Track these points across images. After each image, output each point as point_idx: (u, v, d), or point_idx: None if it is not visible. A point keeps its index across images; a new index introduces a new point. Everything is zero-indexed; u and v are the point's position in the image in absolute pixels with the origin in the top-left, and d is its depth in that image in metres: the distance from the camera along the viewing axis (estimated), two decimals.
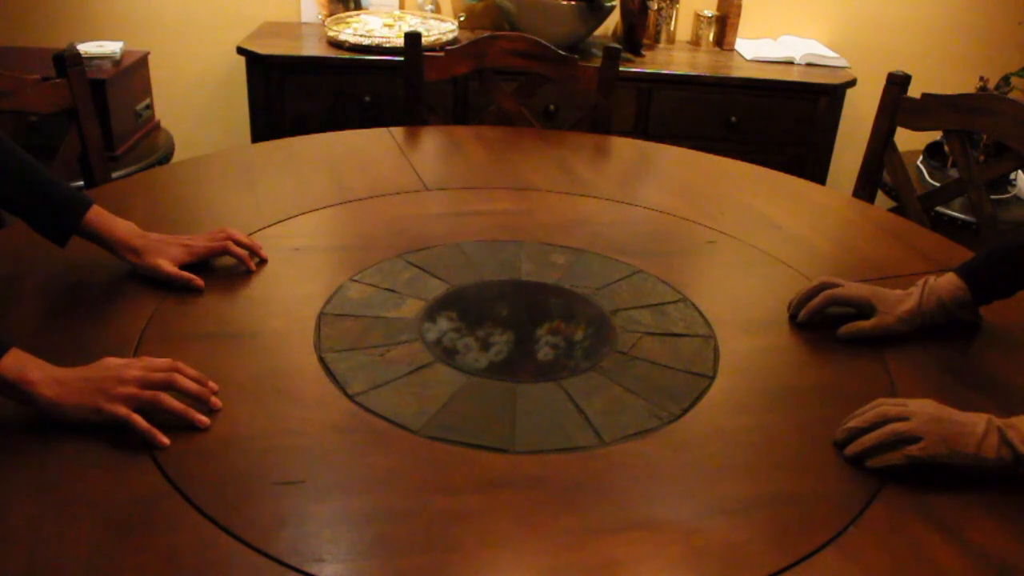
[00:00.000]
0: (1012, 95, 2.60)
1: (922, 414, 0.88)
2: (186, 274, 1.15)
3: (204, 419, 0.88)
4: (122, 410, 0.85)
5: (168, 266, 1.14)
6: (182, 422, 0.87)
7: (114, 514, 0.77)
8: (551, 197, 1.53)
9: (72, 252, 1.21)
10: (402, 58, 1.88)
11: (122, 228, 1.16)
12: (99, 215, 1.15)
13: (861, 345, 1.12)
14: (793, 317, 1.18)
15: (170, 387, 0.88)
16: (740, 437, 0.95)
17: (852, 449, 0.90)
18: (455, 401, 0.96)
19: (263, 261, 1.23)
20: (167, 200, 1.44)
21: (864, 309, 1.15)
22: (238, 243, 1.20)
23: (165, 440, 0.85)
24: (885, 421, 0.89)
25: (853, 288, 1.16)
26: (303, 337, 1.06)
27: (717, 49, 2.79)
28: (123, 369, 0.88)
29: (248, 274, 1.20)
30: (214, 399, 0.91)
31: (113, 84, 2.22)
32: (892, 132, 1.72)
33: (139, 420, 0.85)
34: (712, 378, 1.04)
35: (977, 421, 0.87)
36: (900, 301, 1.14)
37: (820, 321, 1.16)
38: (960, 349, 1.15)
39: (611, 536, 0.79)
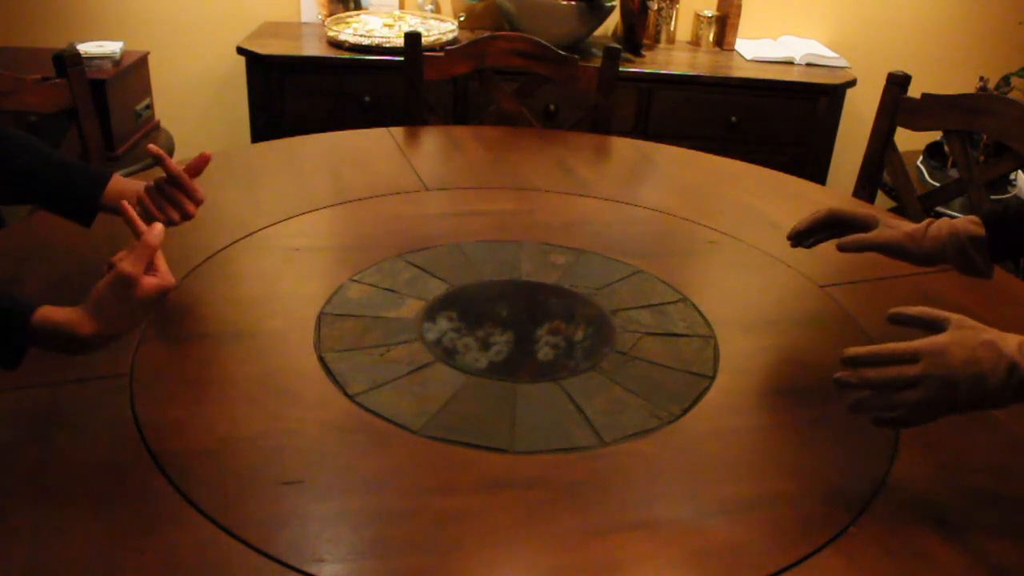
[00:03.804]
0: (1012, 95, 2.60)
1: (932, 378, 0.79)
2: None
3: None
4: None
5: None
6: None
7: (114, 514, 0.77)
8: (551, 197, 1.53)
9: (72, 252, 1.21)
10: (402, 58, 1.88)
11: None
12: (112, 192, 1.13)
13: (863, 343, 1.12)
14: (793, 241, 1.16)
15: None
16: (740, 437, 0.95)
17: (854, 406, 0.84)
18: (455, 401, 0.96)
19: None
20: None
21: (866, 227, 1.10)
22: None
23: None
24: (890, 385, 0.81)
25: (855, 208, 1.12)
26: (303, 337, 1.06)
27: (717, 49, 2.79)
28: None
29: (247, 272, 1.20)
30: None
31: (113, 84, 2.22)
32: (892, 132, 1.72)
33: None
34: (712, 378, 1.04)
35: (995, 369, 0.78)
36: (906, 223, 1.09)
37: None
38: None
39: (611, 536, 0.79)
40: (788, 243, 1.17)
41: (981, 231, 1.05)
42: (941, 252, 1.06)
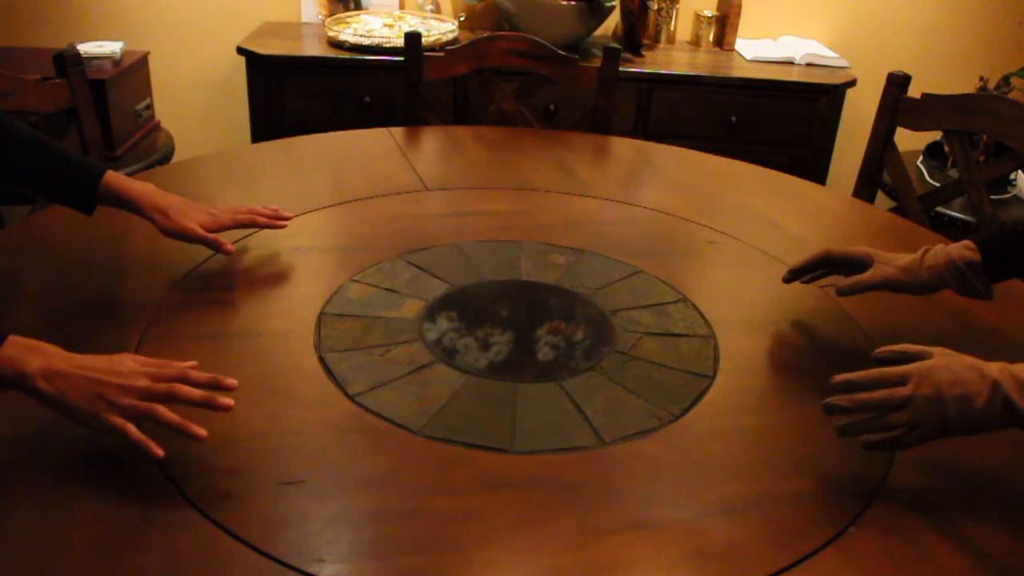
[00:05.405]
0: (1012, 95, 2.59)
1: (921, 398, 0.82)
2: (217, 237, 1.18)
3: (200, 432, 0.82)
4: (118, 421, 0.81)
5: (198, 229, 1.17)
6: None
7: (114, 514, 0.77)
8: (551, 197, 1.53)
9: (72, 252, 1.21)
10: (402, 58, 1.88)
11: (142, 187, 1.18)
12: (116, 178, 1.17)
13: (864, 345, 1.12)
14: (788, 281, 1.18)
15: (171, 399, 0.83)
16: (740, 437, 0.95)
17: (844, 430, 0.86)
18: (455, 401, 0.96)
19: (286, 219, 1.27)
20: None
21: (862, 266, 1.12)
22: (261, 215, 1.25)
23: (159, 452, 0.80)
24: (881, 407, 0.84)
25: (849, 247, 1.14)
26: (303, 337, 1.06)
27: (717, 49, 2.79)
28: (131, 378, 0.83)
29: (247, 272, 1.20)
30: (223, 399, 0.85)
31: (113, 84, 2.22)
32: (892, 132, 1.72)
33: (133, 431, 0.81)
34: (712, 378, 1.04)
35: (980, 391, 0.80)
36: (900, 257, 1.10)
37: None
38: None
39: (611, 536, 0.79)
40: (783, 281, 1.19)
41: (977, 256, 1.06)
42: (939, 281, 1.08)
